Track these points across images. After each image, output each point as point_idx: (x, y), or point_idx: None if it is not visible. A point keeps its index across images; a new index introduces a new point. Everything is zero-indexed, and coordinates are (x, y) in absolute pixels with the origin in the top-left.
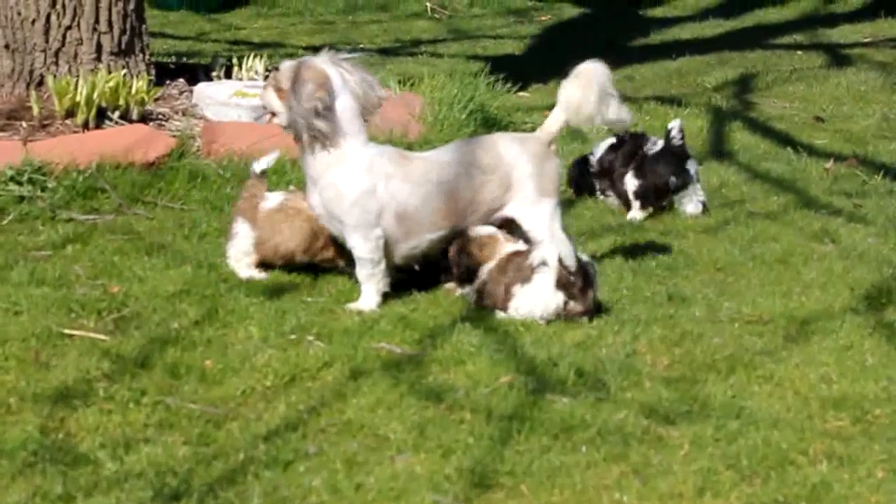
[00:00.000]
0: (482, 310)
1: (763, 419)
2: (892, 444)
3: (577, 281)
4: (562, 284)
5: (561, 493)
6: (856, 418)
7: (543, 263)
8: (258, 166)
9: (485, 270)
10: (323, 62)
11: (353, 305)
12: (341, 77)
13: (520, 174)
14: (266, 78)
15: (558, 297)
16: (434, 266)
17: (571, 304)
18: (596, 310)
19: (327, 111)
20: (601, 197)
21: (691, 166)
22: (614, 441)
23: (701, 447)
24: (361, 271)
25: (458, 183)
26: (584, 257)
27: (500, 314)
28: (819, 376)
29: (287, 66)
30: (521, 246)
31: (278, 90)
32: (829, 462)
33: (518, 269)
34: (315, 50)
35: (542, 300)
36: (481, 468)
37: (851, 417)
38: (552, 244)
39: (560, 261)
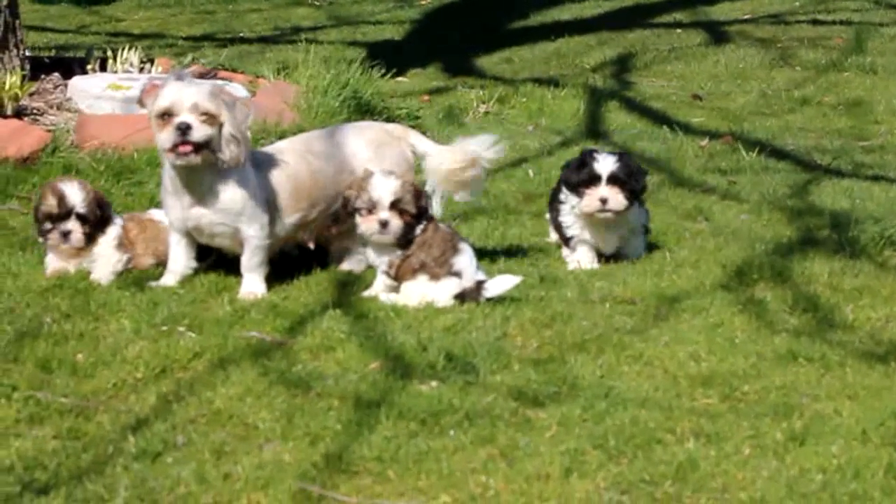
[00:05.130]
0: (353, 295)
1: (631, 398)
2: (759, 421)
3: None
4: (460, 297)
5: (427, 477)
6: (724, 395)
7: (457, 274)
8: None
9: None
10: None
11: (245, 293)
12: None
13: (359, 161)
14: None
15: (449, 303)
16: (306, 253)
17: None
18: None
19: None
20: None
21: None
22: (482, 424)
23: (568, 428)
24: (254, 259)
25: (299, 169)
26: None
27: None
28: (688, 354)
29: (208, 93)
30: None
31: (206, 115)
32: (697, 440)
33: (437, 257)
34: (195, 40)
35: (433, 298)
36: (349, 455)
37: (720, 395)
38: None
39: (478, 283)
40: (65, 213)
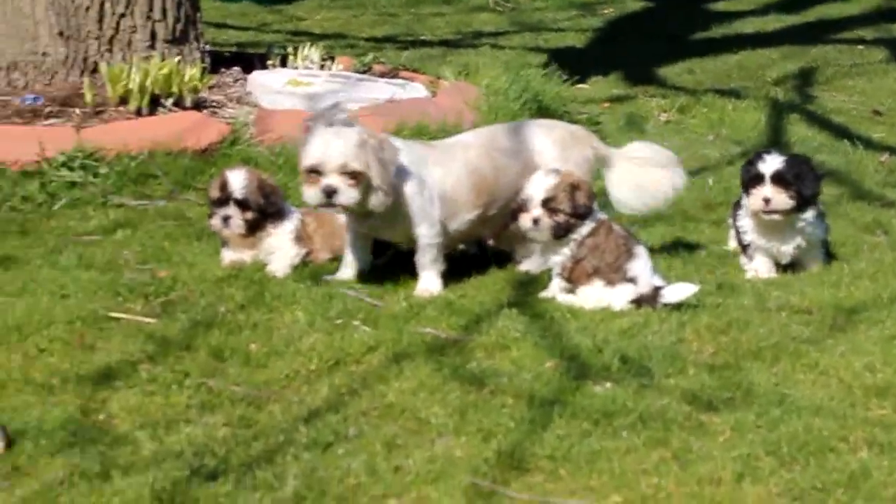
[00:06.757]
0: (530, 295)
1: (805, 406)
2: None
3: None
4: (636, 302)
5: (599, 477)
6: None
7: (633, 280)
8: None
9: (585, 243)
10: (349, 125)
11: (421, 290)
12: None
13: (543, 159)
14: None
15: (626, 307)
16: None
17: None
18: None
19: None
20: None
21: None
22: (655, 427)
23: (742, 433)
24: (426, 257)
25: (482, 164)
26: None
27: (554, 294)
28: (864, 365)
29: (355, 146)
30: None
31: (353, 174)
32: (870, 449)
33: (610, 263)
34: (377, 41)
35: (609, 303)
36: (520, 451)
37: (894, 406)
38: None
39: (655, 289)
40: (224, 198)
